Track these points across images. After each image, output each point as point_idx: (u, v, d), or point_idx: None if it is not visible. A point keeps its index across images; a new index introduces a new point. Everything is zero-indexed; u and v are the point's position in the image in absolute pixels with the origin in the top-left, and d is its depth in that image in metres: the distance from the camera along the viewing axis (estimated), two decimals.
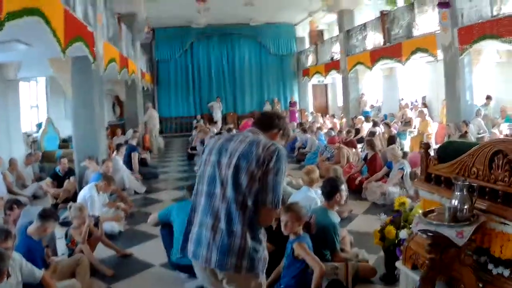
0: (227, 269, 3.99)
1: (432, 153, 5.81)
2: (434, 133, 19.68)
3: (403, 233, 6.17)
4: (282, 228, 6.33)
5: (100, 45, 13.56)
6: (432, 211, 4.82)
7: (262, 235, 4.18)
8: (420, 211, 6.18)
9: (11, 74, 15.26)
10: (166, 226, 7.73)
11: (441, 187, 5.36)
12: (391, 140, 14.92)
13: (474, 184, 4.56)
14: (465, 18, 15.70)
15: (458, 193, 4.41)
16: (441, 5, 15.61)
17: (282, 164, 4.08)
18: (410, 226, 6.21)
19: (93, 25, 12.66)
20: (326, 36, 37.75)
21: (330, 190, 7.06)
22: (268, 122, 4.55)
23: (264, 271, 4.22)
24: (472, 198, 4.41)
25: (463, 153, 5.07)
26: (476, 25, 15.17)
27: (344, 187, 7.20)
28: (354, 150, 16.97)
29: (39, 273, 6.13)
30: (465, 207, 4.35)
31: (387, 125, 20.54)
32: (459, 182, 4.42)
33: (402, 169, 11.84)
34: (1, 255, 5.10)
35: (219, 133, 21.94)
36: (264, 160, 3.99)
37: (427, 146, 5.88)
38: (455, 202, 4.40)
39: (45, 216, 6.77)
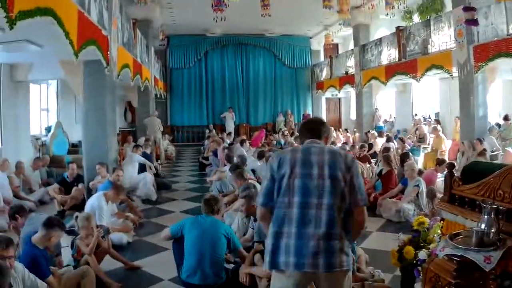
0: (333, 269, 4.29)
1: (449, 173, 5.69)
2: (448, 149, 19.43)
3: (422, 254, 5.96)
4: None
5: (114, 49, 13.39)
6: (458, 234, 4.71)
7: None
8: (439, 231, 5.99)
9: (21, 75, 15.16)
10: (178, 241, 7.53)
11: (465, 208, 5.31)
12: (404, 156, 14.63)
13: (502, 208, 4.52)
14: (481, 35, 15.68)
15: (486, 216, 4.34)
16: (469, 22, 15.37)
17: (357, 165, 4.70)
18: (429, 246, 6.03)
19: (107, 29, 12.47)
20: (341, 50, 37.83)
21: None
22: (321, 130, 4.91)
23: None
24: (499, 222, 4.34)
25: (488, 175, 5.01)
26: (492, 43, 15.15)
27: None
28: (368, 165, 16.72)
29: (41, 285, 5.92)
30: (492, 230, 4.28)
31: (402, 141, 20.37)
32: (487, 205, 4.35)
33: (417, 186, 11.66)
34: (1, 270, 4.82)
35: (231, 143, 21.78)
36: (348, 165, 4.48)
37: (451, 166, 5.72)
38: (482, 225, 4.34)
39: (50, 224, 6.58)
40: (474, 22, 15.31)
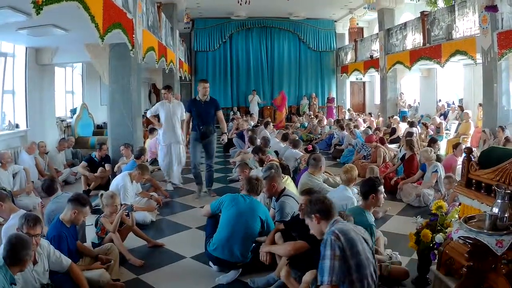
0: None
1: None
2: (470, 136, 19.40)
3: (439, 237, 6.02)
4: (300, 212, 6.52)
5: (139, 32, 13.50)
6: (472, 218, 4.77)
7: None
8: (456, 216, 6.06)
9: (46, 59, 15.27)
10: (214, 215, 7.81)
11: (481, 193, 5.31)
12: (431, 142, 14.63)
13: None
14: (505, 22, 15.51)
15: (500, 201, 4.36)
16: (488, 8, 15.30)
17: None
18: (446, 230, 6.09)
19: (132, 13, 12.57)
20: (366, 34, 37.69)
21: (367, 189, 6.88)
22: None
23: None
24: None
25: (505, 160, 4.97)
26: None
27: (382, 188, 7.02)
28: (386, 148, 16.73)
29: (66, 262, 6.06)
30: (506, 215, 4.30)
31: (425, 126, 20.35)
32: (501, 190, 4.35)
33: (436, 171, 11.64)
34: (23, 243, 5.01)
35: (256, 125, 21.90)
36: None
37: (469, 150, 5.76)
38: (495, 209, 4.36)
39: (78, 201, 6.67)
40: (494, 8, 15.21)
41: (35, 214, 6.06)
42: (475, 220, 4.67)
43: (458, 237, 4.55)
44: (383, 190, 7.12)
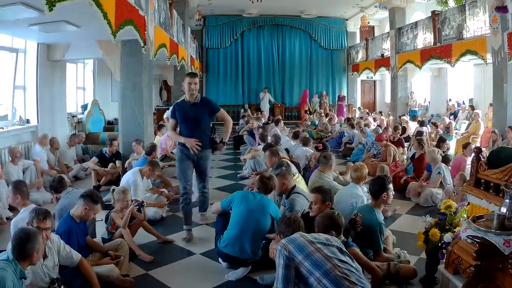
0: None
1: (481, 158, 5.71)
2: (480, 136, 19.38)
3: (447, 237, 6.02)
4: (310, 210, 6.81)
5: (151, 29, 13.53)
6: (481, 217, 4.79)
7: None
8: (465, 215, 6.07)
9: (58, 55, 15.28)
10: (224, 212, 7.86)
11: (489, 192, 5.32)
12: (440, 141, 14.63)
13: None
14: None
15: (508, 201, 4.38)
16: (499, 9, 15.25)
17: None
18: (454, 230, 6.09)
19: (144, 9, 12.59)
20: (377, 32, 37.65)
21: (377, 189, 6.94)
22: None
23: None
24: None
25: None
26: None
27: (391, 186, 7.05)
28: (401, 149, 16.73)
29: (76, 257, 6.11)
30: None
31: (435, 125, 20.35)
32: (509, 190, 4.37)
33: (439, 173, 11.60)
34: (29, 236, 5.02)
35: (266, 123, 21.91)
36: None
37: (479, 150, 5.78)
38: (504, 209, 4.38)
39: (89, 197, 6.73)
40: (504, 9, 15.16)
41: (46, 208, 6.10)
42: (483, 219, 4.69)
43: (466, 236, 4.57)
44: (392, 187, 7.15)
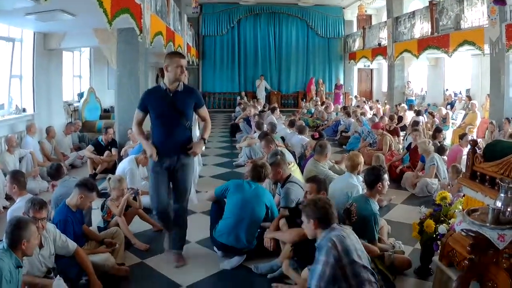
0: None
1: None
2: (477, 127, 19.41)
3: (442, 228, 6.06)
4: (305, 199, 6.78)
5: (148, 17, 13.48)
6: (475, 210, 4.79)
7: None
8: (460, 207, 6.10)
9: (54, 43, 15.29)
10: (218, 201, 7.86)
11: (485, 185, 5.33)
12: (436, 131, 14.66)
13: None
14: None
15: (503, 195, 4.38)
16: (497, 2, 15.20)
17: None
18: (449, 221, 6.12)
19: None
20: (374, 21, 37.48)
21: (372, 179, 6.97)
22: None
23: None
24: None
25: (510, 153, 4.99)
26: None
27: (386, 176, 7.08)
28: (397, 138, 16.76)
29: (72, 246, 6.18)
30: (509, 209, 4.32)
31: (431, 115, 20.37)
32: (504, 184, 4.38)
33: (433, 164, 11.66)
34: (20, 223, 5.08)
35: (262, 111, 21.92)
36: None
37: (474, 142, 5.79)
38: (499, 203, 4.38)
39: (85, 186, 6.82)
40: (502, 1, 15.13)
41: (41, 198, 6.13)
42: (478, 213, 4.69)
43: (461, 229, 4.59)
44: (387, 178, 7.18)
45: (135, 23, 11.78)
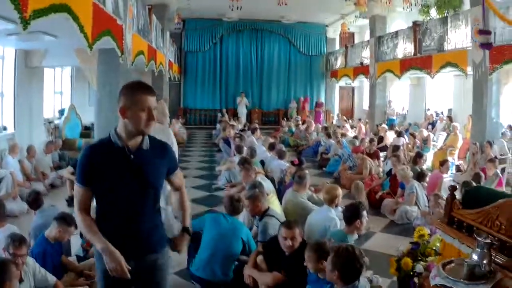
0: None
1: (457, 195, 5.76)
2: (458, 149, 19.52)
3: (419, 267, 6.16)
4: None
5: (129, 37, 13.45)
6: (451, 262, 4.78)
7: None
8: (438, 244, 6.09)
9: (36, 61, 15.29)
10: (195, 233, 7.65)
11: (462, 232, 5.35)
12: (417, 157, 14.64)
13: (495, 243, 4.56)
14: (498, 37, 15.38)
15: (479, 249, 4.37)
16: (483, 46, 15.22)
17: None
18: (427, 259, 6.15)
19: (123, 18, 12.50)
20: (357, 39, 37.86)
21: (351, 215, 6.96)
22: None
23: None
24: (491, 254, 4.39)
25: (490, 202, 5.04)
26: (507, 47, 14.91)
27: (365, 213, 7.06)
28: (377, 161, 16.78)
29: (51, 279, 6.18)
30: (484, 262, 4.32)
31: (412, 136, 20.41)
32: (480, 239, 4.37)
33: (412, 192, 11.64)
34: (2, 267, 5.03)
35: (242, 130, 21.88)
36: None
37: (453, 188, 5.82)
38: (475, 257, 4.38)
39: (63, 220, 6.85)
40: (488, 46, 15.13)
41: (21, 234, 6.10)
42: (453, 264, 4.68)
43: (435, 284, 4.59)
44: (366, 214, 7.17)
45: (116, 45, 11.74)
